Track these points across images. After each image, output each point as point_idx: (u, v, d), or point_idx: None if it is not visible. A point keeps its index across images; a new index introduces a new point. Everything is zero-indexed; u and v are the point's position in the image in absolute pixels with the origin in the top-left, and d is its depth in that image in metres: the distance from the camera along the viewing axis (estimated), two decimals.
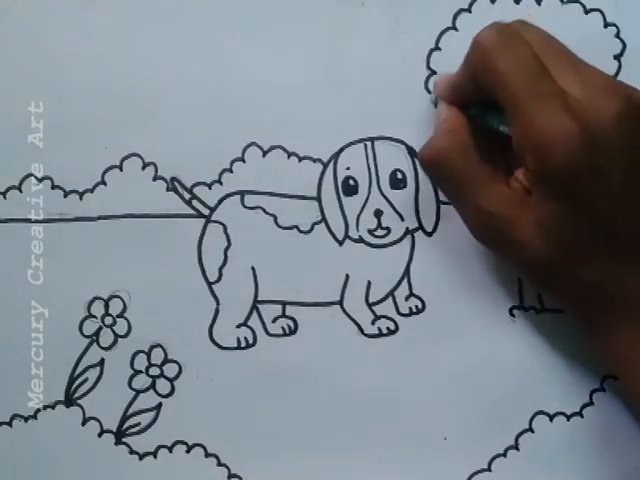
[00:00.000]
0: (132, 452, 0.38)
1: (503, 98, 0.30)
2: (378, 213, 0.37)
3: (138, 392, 0.38)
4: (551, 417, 0.37)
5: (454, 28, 0.37)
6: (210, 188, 0.37)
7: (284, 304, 0.37)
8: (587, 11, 0.36)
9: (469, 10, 0.37)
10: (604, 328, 0.32)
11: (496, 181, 0.32)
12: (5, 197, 0.37)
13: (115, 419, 0.37)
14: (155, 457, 0.37)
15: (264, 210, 0.37)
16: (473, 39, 0.31)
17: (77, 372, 0.37)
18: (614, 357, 0.33)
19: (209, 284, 0.37)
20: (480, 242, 0.34)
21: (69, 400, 0.38)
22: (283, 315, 0.37)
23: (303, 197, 0.37)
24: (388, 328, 0.37)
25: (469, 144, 0.33)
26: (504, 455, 0.37)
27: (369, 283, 0.37)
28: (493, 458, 0.37)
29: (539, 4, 0.37)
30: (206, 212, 0.37)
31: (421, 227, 0.37)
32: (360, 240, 0.37)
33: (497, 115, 0.32)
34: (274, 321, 0.37)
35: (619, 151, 0.29)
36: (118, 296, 0.37)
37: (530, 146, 0.30)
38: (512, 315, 0.37)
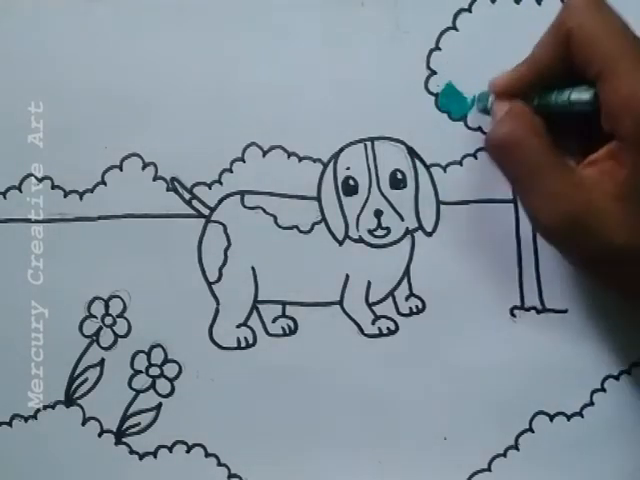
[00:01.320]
0: (132, 452, 0.38)
1: (601, 59, 0.29)
2: (378, 213, 0.37)
3: (138, 392, 0.38)
4: (551, 417, 0.37)
5: (454, 28, 0.37)
6: (210, 188, 0.37)
7: (284, 304, 0.37)
8: None
9: (469, 10, 0.37)
10: None
11: (568, 165, 0.31)
12: (5, 197, 0.37)
13: (115, 419, 0.37)
14: (155, 457, 0.37)
15: (264, 210, 0.37)
16: (565, 3, 0.31)
17: (77, 372, 0.37)
18: None
19: (209, 284, 0.37)
20: (547, 233, 0.32)
21: (69, 400, 0.38)
22: (283, 315, 0.37)
23: (303, 197, 0.37)
24: (388, 328, 0.37)
25: (539, 127, 0.31)
26: (504, 455, 0.37)
27: (369, 283, 0.37)
28: (493, 458, 0.37)
29: (539, 4, 0.36)
30: (206, 212, 0.37)
31: (421, 227, 0.37)
32: (360, 240, 0.37)
33: (567, 92, 0.31)
34: (274, 321, 0.37)
35: None
36: (118, 296, 0.37)
37: (630, 106, 0.28)
38: (513, 315, 0.37)
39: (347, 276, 0.37)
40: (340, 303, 0.37)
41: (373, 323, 0.37)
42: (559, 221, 0.31)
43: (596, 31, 0.30)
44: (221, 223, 0.37)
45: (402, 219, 0.37)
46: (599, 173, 0.31)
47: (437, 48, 0.37)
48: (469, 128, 0.36)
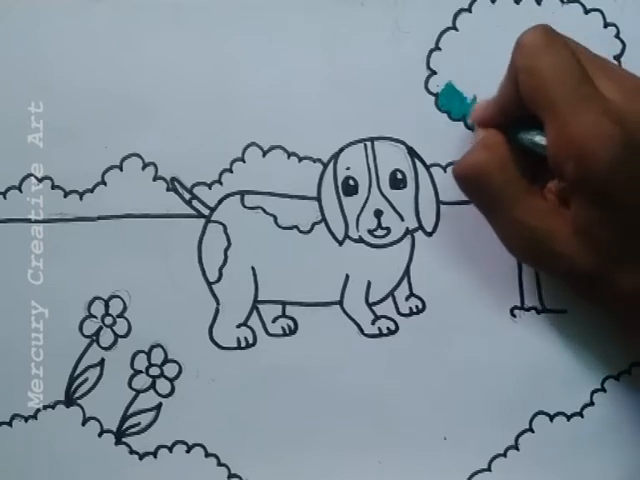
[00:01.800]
0: (132, 452, 0.38)
1: (544, 100, 0.29)
2: (378, 213, 0.37)
3: (138, 392, 0.38)
4: (551, 417, 0.37)
5: (454, 28, 0.37)
6: (210, 188, 0.37)
7: (284, 304, 0.37)
8: (587, 11, 0.36)
9: (469, 10, 0.37)
10: None
11: (532, 194, 0.32)
12: (5, 197, 0.37)
13: (115, 419, 0.37)
14: (155, 457, 0.37)
15: (264, 210, 0.37)
16: (517, 39, 0.31)
17: (77, 372, 0.37)
18: None
19: (209, 284, 0.37)
20: (517, 257, 0.34)
21: (69, 400, 0.38)
22: (283, 315, 0.37)
23: (303, 197, 0.37)
24: (388, 328, 0.37)
25: (507, 159, 0.32)
26: (504, 455, 0.37)
27: (369, 283, 0.37)
28: (493, 458, 0.37)
29: (539, 4, 0.36)
30: (206, 212, 0.37)
31: (421, 227, 0.37)
32: (360, 240, 0.37)
33: (535, 130, 0.31)
34: (274, 321, 0.37)
35: None
36: (118, 296, 0.37)
37: (571, 151, 0.29)
38: (513, 315, 0.37)
39: (347, 276, 0.37)
40: (340, 303, 0.37)
41: (373, 323, 0.37)
42: (523, 248, 0.32)
43: (540, 75, 0.29)
44: (221, 223, 0.37)
45: (402, 219, 0.37)
46: (556, 199, 0.32)
47: (437, 48, 0.37)
48: (469, 128, 0.36)
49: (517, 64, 0.31)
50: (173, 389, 0.38)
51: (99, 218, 0.37)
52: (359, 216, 0.37)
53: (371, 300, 0.37)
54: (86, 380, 0.37)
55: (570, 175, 0.29)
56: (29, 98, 0.37)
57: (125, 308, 0.37)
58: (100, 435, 0.38)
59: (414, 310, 0.37)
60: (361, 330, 0.37)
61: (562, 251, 0.31)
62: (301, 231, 0.37)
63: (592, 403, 0.37)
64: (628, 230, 0.30)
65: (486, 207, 0.33)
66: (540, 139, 0.31)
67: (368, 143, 0.37)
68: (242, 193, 0.37)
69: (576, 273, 0.31)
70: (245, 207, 0.37)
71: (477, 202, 0.33)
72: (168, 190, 0.37)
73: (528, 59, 0.30)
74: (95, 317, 0.37)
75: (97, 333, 0.37)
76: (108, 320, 0.37)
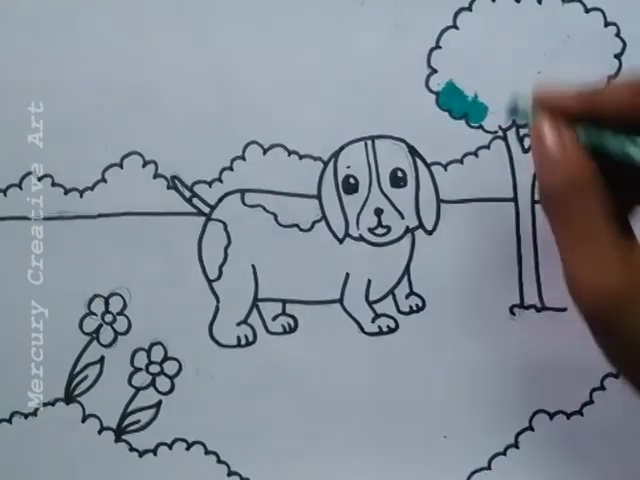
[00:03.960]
0: (132, 449, 0.38)
1: None
2: (378, 211, 0.37)
3: (138, 389, 0.38)
4: (551, 415, 0.37)
5: (455, 27, 0.37)
6: (210, 186, 0.37)
7: (284, 302, 0.37)
8: (588, 10, 0.36)
9: (470, 9, 0.37)
10: None
11: (626, 242, 0.26)
12: (5, 195, 0.37)
13: (115, 416, 0.37)
14: (155, 454, 0.37)
15: (264, 208, 0.37)
16: None
17: (77, 369, 0.37)
18: None
19: (209, 282, 0.37)
20: (581, 307, 0.26)
21: (69, 397, 0.38)
22: (283, 313, 0.37)
23: (303, 195, 0.37)
24: (388, 326, 0.37)
25: (604, 185, 0.25)
26: (504, 453, 0.37)
27: (369, 281, 0.37)
28: (493, 456, 0.37)
29: (540, 3, 0.36)
30: (206, 210, 0.37)
31: (421, 225, 0.37)
32: (360, 238, 0.37)
33: (625, 141, 0.26)
34: (274, 319, 0.37)
35: None
36: (118, 294, 0.37)
37: None
38: (512, 314, 0.37)
39: (347, 274, 0.37)
40: (340, 301, 0.37)
41: (373, 321, 0.37)
42: (598, 296, 0.26)
43: None
44: (221, 221, 0.37)
45: (402, 217, 0.37)
46: None
47: (438, 46, 0.37)
48: (470, 126, 0.36)
49: None
50: (173, 387, 0.38)
51: (99, 216, 0.37)
52: (359, 214, 0.37)
53: (371, 298, 0.37)
54: (86, 377, 0.37)
55: None
56: (29, 98, 0.37)
57: (125, 306, 0.37)
58: (100, 432, 0.38)
59: (414, 308, 0.37)
60: (361, 328, 0.37)
61: (636, 315, 0.25)
62: (301, 229, 0.37)
63: (592, 401, 0.37)
64: None
65: (569, 237, 0.26)
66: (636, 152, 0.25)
67: (369, 141, 0.37)
68: (242, 191, 0.37)
69: (636, 344, 0.25)
70: (245, 205, 0.37)
71: (560, 229, 0.26)
72: (168, 188, 0.37)
73: None
74: (95, 315, 0.37)
75: (97, 331, 0.37)
76: (108, 318, 0.37)
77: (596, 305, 0.26)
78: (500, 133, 0.37)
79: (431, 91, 0.37)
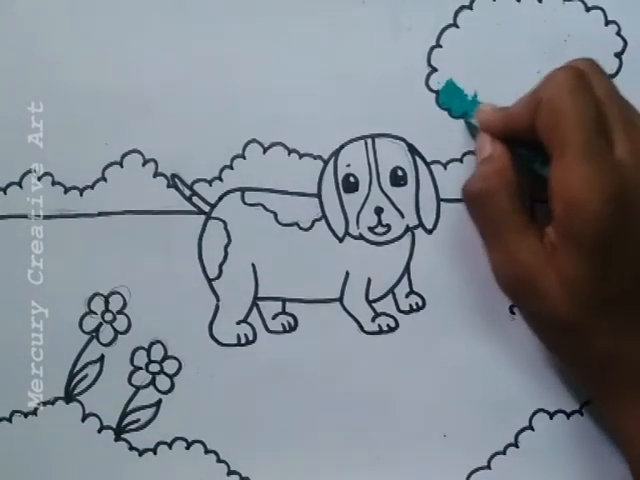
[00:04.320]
0: (132, 448, 0.38)
1: (556, 142, 0.30)
2: (378, 210, 0.37)
3: (138, 388, 0.38)
4: (551, 415, 0.37)
5: (455, 25, 0.37)
6: (210, 185, 0.37)
7: (284, 301, 0.37)
8: (588, 9, 0.36)
9: (470, 7, 0.37)
10: (609, 398, 0.32)
11: (531, 230, 0.32)
12: (5, 193, 0.37)
13: (115, 415, 0.37)
14: (155, 453, 0.37)
15: (264, 207, 0.37)
16: (549, 74, 0.31)
17: (77, 368, 0.37)
18: (617, 428, 0.33)
19: (209, 281, 0.37)
20: (502, 288, 0.33)
21: (69, 396, 0.38)
22: (283, 312, 0.37)
23: (303, 194, 0.37)
24: (388, 325, 0.37)
25: (515, 188, 0.32)
26: (504, 453, 0.37)
27: (369, 280, 0.37)
28: (493, 456, 0.37)
29: (540, 1, 0.36)
30: (206, 209, 0.37)
31: (421, 224, 0.37)
32: (360, 237, 0.37)
33: (543, 160, 0.32)
34: (274, 318, 0.37)
35: None
36: (118, 292, 0.37)
37: (564, 197, 0.29)
38: (512, 313, 0.37)
39: (347, 273, 0.37)
40: (340, 300, 0.37)
41: (373, 320, 0.37)
42: (510, 281, 0.32)
43: (560, 115, 0.30)
44: (221, 220, 0.37)
45: (402, 216, 0.37)
46: (550, 242, 0.31)
47: (438, 45, 0.37)
48: (470, 125, 0.36)
49: (542, 95, 0.31)
50: (173, 386, 0.38)
51: (99, 214, 0.37)
52: (359, 213, 0.37)
53: (371, 297, 0.37)
54: (86, 376, 0.37)
55: (560, 219, 0.30)
56: (29, 98, 0.37)
57: (125, 304, 0.37)
58: (100, 431, 0.38)
59: (414, 307, 0.37)
60: (361, 327, 0.37)
61: (546, 294, 0.31)
62: (301, 228, 0.37)
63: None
64: (610, 288, 0.30)
65: (486, 232, 0.33)
66: (543, 169, 0.32)
67: (369, 140, 0.37)
68: (242, 190, 0.37)
69: (554, 320, 0.31)
70: (245, 204, 0.37)
71: (479, 224, 0.34)
72: (168, 186, 0.37)
73: (554, 95, 0.30)
74: (95, 313, 0.37)
75: (97, 329, 0.37)
76: (108, 316, 0.37)
77: (510, 283, 0.32)
78: None
79: (431, 90, 0.37)
